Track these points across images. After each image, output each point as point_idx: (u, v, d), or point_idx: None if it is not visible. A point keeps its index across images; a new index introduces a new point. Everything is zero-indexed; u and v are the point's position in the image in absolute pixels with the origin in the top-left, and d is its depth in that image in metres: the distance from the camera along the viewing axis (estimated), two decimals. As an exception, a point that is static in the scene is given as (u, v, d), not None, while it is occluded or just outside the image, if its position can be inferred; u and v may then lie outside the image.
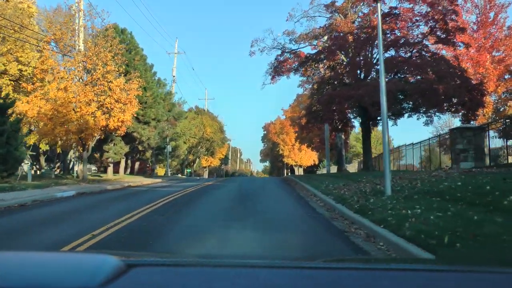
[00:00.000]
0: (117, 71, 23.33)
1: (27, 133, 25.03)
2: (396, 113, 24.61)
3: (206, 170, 74.95)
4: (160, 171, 52.13)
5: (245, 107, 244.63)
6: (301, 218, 8.92)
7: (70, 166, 31.60)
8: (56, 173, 30.07)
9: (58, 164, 33.38)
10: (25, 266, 1.16)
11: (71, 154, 30.48)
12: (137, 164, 46.16)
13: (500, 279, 1.08)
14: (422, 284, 1.03)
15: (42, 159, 33.41)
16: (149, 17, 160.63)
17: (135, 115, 26.63)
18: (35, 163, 33.04)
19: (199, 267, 1.21)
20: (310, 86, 37.58)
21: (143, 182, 26.20)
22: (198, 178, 45.00)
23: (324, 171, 63.94)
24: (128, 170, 44.49)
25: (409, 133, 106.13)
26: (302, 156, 62.51)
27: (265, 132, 79.78)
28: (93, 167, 39.53)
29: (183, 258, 1.50)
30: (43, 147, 28.77)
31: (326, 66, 30.76)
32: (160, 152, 43.49)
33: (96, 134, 23.76)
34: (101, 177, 30.29)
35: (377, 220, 6.97)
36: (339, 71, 27.05)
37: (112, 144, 31.25)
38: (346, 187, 14.64)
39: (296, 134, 62.19)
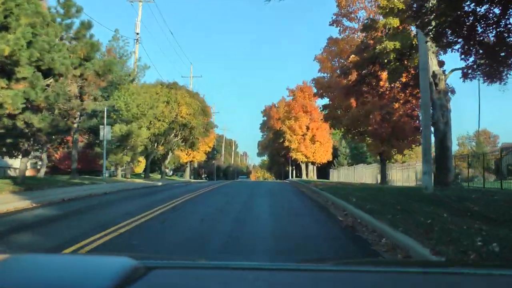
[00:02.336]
0: None
1: None
2: None
3: (188, 166, 57.94)
4: (131, 173, 35.27)
5: (242, 94, 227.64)
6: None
7: None
8: None
9: None
10: (44, 269, 1.15)
11: None
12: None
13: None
14: (429, 286, 1.04)
15: None
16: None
17: None
18: None
19: (217, 270, 1.22)
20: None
21: None
22: (160, 184, 27.99)
23: (347, 172, 47.98)
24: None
25: None
26: (317, 150, 45.53)
27: (265, 118, 62.33)
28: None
29: (202, 260, 1.59)
30: None
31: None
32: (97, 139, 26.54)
33: None
34: None
35: None
36: None
37: None
38: None
39: (310, 120, 45.05)
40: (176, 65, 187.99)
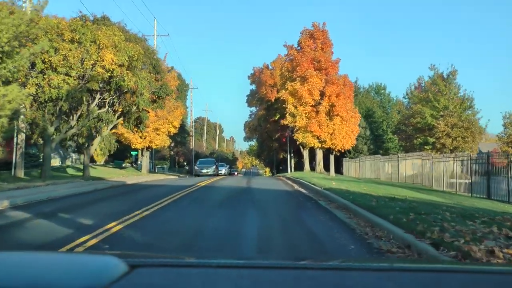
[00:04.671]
0: None
1: None
2: None
3: (146, 155, 40.98)
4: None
5: (228, 76, 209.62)
6: None
7: None
8: None
9: None
10: (28, 267, 1.13)
11: None
12: None
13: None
14: (426, 284, 1.02)
15: None
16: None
17: None
18: None
19: (202, 268, 1.20)
20: None
21: None
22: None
23: (374, 165, 30.74)
24: None
25: None
26: (336, 130, 28.50)
27: (254, 86, 45.02)
28: None
29: (187, 259, 1.52)
30: None
31: None
32: None
33: None
34: None
35: None
36: None
37: None
38: None
39: (325, 82, 28.24)
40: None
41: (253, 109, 52.84)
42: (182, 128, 49.23)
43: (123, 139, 38.95)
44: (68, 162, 73.47)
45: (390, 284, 1.02)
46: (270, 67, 42.37)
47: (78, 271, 1.09)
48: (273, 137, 56.31)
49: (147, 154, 43.04)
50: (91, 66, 21.13)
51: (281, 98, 32.75)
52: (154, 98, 27.63)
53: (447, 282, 1.05)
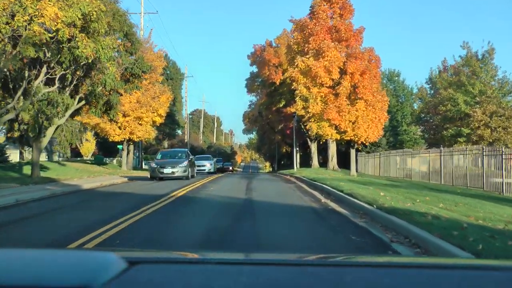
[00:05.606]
0: None
1: None
2: None
3: (130, 150, 35.01)
4: None
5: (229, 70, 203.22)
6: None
7: None
8: None
9: None
10: (27, 264, 1.13)
11: None
12: None
13: None
14: (424, 281, 1.01)
15: None
16: None
17: None
18: None
19: (201, 264, 1.20)
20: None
21: None
22: None
23: (400, 161, 25.52)
24: None
25: None
26: (360, 118, 21.82)
27: (255, 67, 38.34)
28: None
29: (186, 255, 1.50)
30: None
31: None
32: None
33: None
34: None
35: None
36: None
37: None
38: None
39: (346, 57, 21.41)
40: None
41: (253, 98, 46.53)
42: (172, 118, 42.95)
43: (99, 130, 32.81)
44: (55, 157, 67.14)
45: (390, 280, 1.00)
46: (274, 44, 35.98)
47: (77, 268, 1.08)
48: (275, 128, 50.12)
49: (131, 148, 36.95)
50: (25, 23, 14.88)
51: (289, 79, 26.32)
52: (127, 76, 21.39)
53: (448, 278, 1.02)
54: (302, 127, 38.58)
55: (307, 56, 22.71)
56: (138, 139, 32.48)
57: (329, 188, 13.32)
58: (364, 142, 23.53)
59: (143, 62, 21.15)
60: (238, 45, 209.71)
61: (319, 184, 15.26)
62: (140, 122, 31.85)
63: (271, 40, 36.12)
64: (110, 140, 32.63)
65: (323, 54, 21.86)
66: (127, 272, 1.00)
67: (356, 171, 37.35)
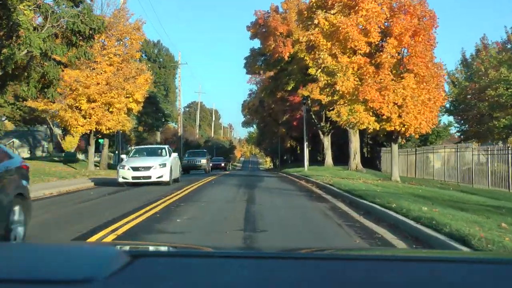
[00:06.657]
0: None
1: None
2: None
3: (104, 145, 28.19)
4: None
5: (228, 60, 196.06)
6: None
7: None
8: None
9: None
10: (31, 258, 1.12)
11: None
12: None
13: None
14: (426, 274, 1.01)
15: None
16: None
17: None
18: None
19: (203, 258, 1.21)
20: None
21: None
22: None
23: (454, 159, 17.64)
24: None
25: None
26: (409, 99, 14.82)
27: (258, 39, 30.70)
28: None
29: (188, 248, 1.52)
30: None
31: None
32: None
33: None
34: None
35: None
36: None
37: None
38: None
39: (391, 15, 14.38)
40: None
41: (254, 87, 39.61)
42: (155, 105, 35.91)
43: (59, 120, 25.92)
44: (38, 152, 60.14)
45: (391, 273, 1.00)
46: (281, 10, 28.80)
47: (80, 261, 1.08)
48: (279, 120, 43.28)
49: (106, 142, 30.13)
50: None
51: (301, 52, 19.18)
52: (69, 37, 14.39)
53: (451, 272, 1.02)
54: (313, 117, 31.69)
55: (332, 12, 15.75)
56: (108, 131, 25.49)
57: (418, 226, 6.33)
58: (420, 133, 16.63)
59: (92, 15, 14.12)
60: (237, 27, 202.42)
61: (379, 208, 8.25)
62: (110, 110, 24.91)
63: (277, 4, 28.92)
64: (73, 131, 25.71)
65: (356, 8, 14.87)
66: (130, 265, 0.99)
67: (379, 169, 30.77)
